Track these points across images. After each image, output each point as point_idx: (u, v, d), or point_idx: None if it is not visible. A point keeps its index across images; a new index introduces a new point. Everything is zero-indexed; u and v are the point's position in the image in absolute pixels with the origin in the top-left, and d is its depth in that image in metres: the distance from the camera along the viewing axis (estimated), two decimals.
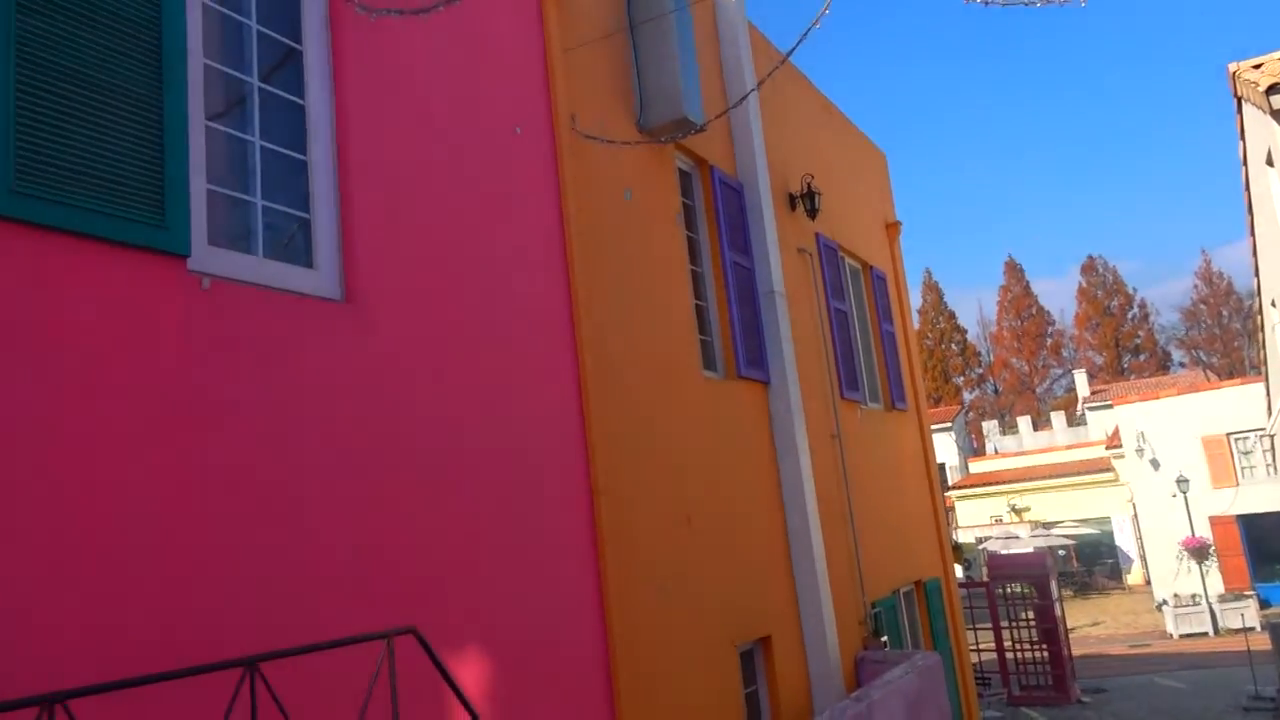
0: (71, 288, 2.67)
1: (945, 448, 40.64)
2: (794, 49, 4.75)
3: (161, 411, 2.82)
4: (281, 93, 3.67)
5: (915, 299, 58.29)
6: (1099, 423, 37.68)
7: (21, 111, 2.60)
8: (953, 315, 61.32)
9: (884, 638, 7.86)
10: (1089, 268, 59.94)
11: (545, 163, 4.92)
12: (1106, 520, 32.04)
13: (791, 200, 8.27)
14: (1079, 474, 32.97)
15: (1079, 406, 42.19)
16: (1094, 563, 33.33)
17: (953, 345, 60.56)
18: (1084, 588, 32.23)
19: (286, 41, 3.73)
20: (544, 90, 5.05)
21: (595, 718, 4.39)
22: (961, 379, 60.52)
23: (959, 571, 22.20)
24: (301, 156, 3.66)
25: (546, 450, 4.46)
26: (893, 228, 11.23)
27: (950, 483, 37.06)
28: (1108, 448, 31.77)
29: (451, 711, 3.56)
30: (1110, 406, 33.09)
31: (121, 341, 2.76)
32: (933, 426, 11.30)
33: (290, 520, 3.14)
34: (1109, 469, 31.46)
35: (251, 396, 3.09)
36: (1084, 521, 31.81)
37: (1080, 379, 43.92)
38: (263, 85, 3.60)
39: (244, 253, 3.33)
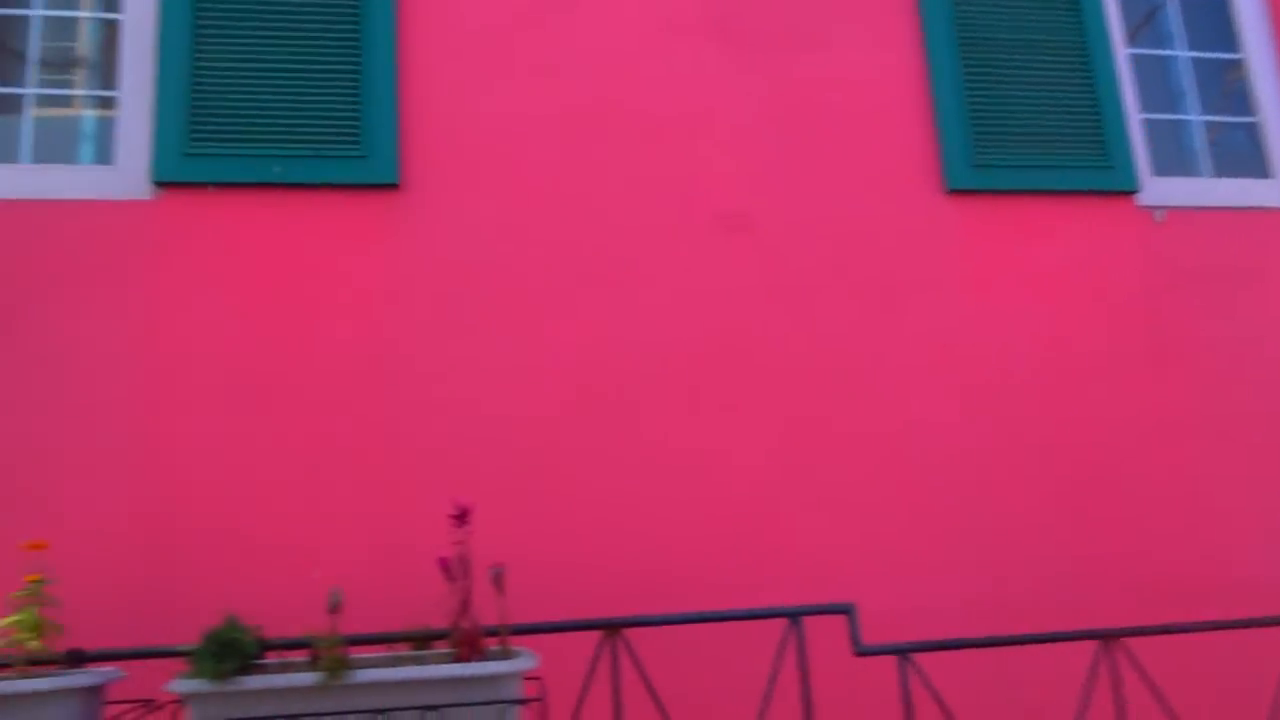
0: (1037, 243, 2.81)
1: None
2: None
3: (1124, 350, 2.78)
4: None
5: None
6: None
7: (970, 88, 2.83)
8: None
9: None
10: None
11: None
12: None
13: None
14: None
15: None
16: None
17: None
18: None
19: None
20: None
21: None
22: None
23: None
24: (1233, 55, 3.24)
25: None
26: None
27: None
28: None
29: None
30: None
31: (1085, 284, 2.79)
32: None
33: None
34: None
35: (1213, 329, 2.84)
36: None
37: None
38: None
39: (1190, 176, 3.09)
